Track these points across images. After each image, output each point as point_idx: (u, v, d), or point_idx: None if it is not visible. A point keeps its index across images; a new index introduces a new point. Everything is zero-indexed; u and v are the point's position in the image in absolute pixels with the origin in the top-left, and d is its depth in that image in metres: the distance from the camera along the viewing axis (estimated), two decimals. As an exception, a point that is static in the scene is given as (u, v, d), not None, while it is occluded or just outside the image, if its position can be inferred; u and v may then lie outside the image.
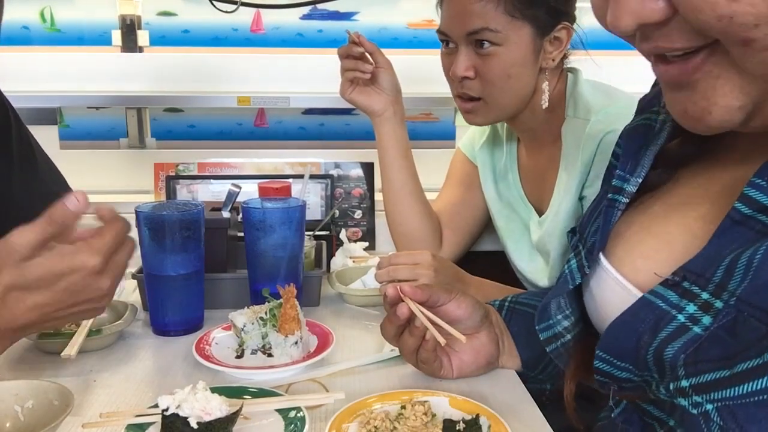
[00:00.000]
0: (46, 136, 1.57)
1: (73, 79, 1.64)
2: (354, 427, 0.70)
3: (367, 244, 1.40)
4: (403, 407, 0.73)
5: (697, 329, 0.50)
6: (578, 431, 0.72)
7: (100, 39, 1.79)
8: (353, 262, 1.28)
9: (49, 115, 1.63)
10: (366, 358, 0.90)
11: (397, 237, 1.30)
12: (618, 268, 0.62)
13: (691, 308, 0.51)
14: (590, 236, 0.68)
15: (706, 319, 0.50)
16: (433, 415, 0.73)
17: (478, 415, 0.71)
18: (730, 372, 0.47)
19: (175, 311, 0.99)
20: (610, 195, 0.67)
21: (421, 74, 1.65)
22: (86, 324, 0.93)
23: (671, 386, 0.51)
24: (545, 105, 1.10)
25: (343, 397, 0.75)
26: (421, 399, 0.74)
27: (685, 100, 0.50)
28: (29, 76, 1.62)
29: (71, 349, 0.85)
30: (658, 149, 0.64)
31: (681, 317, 0.52)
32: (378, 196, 1.47)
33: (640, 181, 0.64)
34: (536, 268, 1.21)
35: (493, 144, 1.30)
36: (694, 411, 0.49)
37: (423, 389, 0.79)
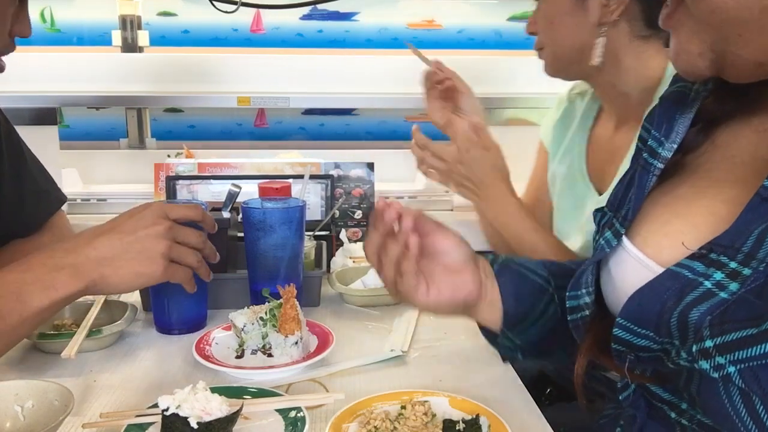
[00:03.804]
0: (46, 136, 1.58)
1: (73, 79, 1.65)
2: (354, 427, 0.70)
3: (367, 244, 1.40)
4: (403, 407, 0.73)
5: (723, 294, 0.51)
6: (579, 430, 0.72)
7: (100, 39, 1.79)
8: (353, 262, 1.28)
9: (49, 115, 1.63)
10: (366, 358, 0.90)
11: None
12: (641, 249, 0.62)
13: (719, 275, 0.52)
14: (625, 206, 0.69)
15: (734, 286, 0.51)
16: (433, 415, 0.73)
17: (478, 415, 0.71)
18: (757, 330, 0.47)
19: (179, 310, 1.00)
20: (645, 155, 0.67)
21: (421, 74, 1.65)
22: (86, 324, 0.93)
23: (694, 348, 0.51)
24: (597, 61, 1.05)
25: (343, 397, 0.75)
26: (421, 399, 0.74)
27: (671, 45, 0.58)
28: (29, 76, 1.62)
29: (71, 349, 0.85)
30: (692, 116, 0.65)
31: (708, 283, 0.53)
32: (377, 196, 1.47)
33: (675, 147, 0.65)
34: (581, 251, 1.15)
35: (569, 118, 1.26)
36: (715, 374, 0.49)
37: (423, 389, 0.79)
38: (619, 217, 0.69)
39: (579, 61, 1.08)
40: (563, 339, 0.76)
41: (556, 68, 1.12)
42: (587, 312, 0.70)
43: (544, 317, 0.81)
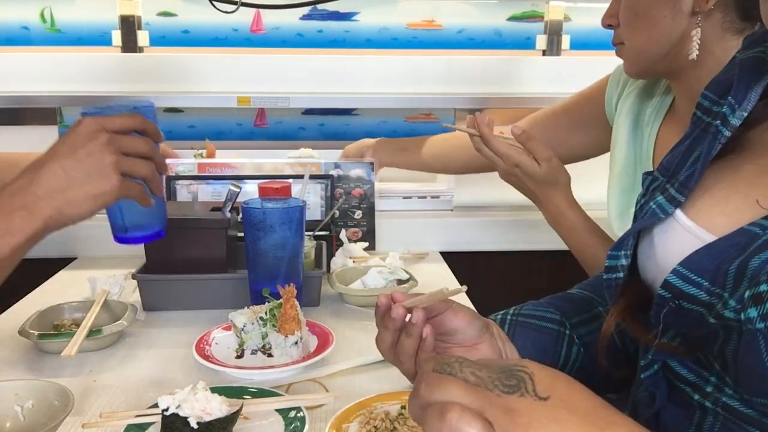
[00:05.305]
0: (46, 136, 1.58)
1: (73, 79, 1.65)
2: (354, 427, 0.70)
3: (367, 244, 1.40)
4: (403, 407, 0.73)
5: None
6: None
7: (100, 39, 1.79)
8: (353, 262, 1.28)
9: (49, 115, 1.63)
10: (366, 358, 0.90)
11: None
12: (694, 221, 0.61)
13: None
14: (685, 170, 0.66)
15: None
16: (433, 415, 0.73)
17: (477, 415, 0.71)
18: None
19: (132, 212, 0.88)
20: (717, 122, 0.65)
21: (421, 74, 1.65)
22: (86, 324, 0.93)
23: (746, 294, 0.51)
24: (692, 55, 0.98)
25: (343, 397, 0.75)
26: (421, 399, 0.74)
27: None
28: (29, 76, 1.62)
29: (71, 349, 0.85)
30: (767, 84, 0.63)
31: None
32: (377, 197, 1.47)
33: (745, 115, 0.63)
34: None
35: (647, 92, 1.18)
36: (761, 324, 0.49)
37: (423, 389, 0.78)
38: (675, 182, 0.67)
39: (666, 57, 1.01)
40: (596, 369, 0.75)
41: (641, 67, 1.05)
42: (621, 275, 0.69)
43: (570, 361, 0.81)
